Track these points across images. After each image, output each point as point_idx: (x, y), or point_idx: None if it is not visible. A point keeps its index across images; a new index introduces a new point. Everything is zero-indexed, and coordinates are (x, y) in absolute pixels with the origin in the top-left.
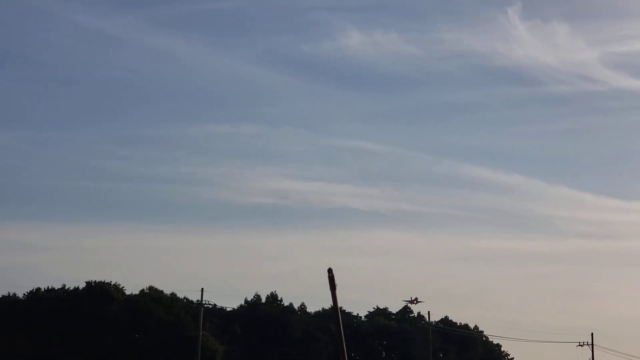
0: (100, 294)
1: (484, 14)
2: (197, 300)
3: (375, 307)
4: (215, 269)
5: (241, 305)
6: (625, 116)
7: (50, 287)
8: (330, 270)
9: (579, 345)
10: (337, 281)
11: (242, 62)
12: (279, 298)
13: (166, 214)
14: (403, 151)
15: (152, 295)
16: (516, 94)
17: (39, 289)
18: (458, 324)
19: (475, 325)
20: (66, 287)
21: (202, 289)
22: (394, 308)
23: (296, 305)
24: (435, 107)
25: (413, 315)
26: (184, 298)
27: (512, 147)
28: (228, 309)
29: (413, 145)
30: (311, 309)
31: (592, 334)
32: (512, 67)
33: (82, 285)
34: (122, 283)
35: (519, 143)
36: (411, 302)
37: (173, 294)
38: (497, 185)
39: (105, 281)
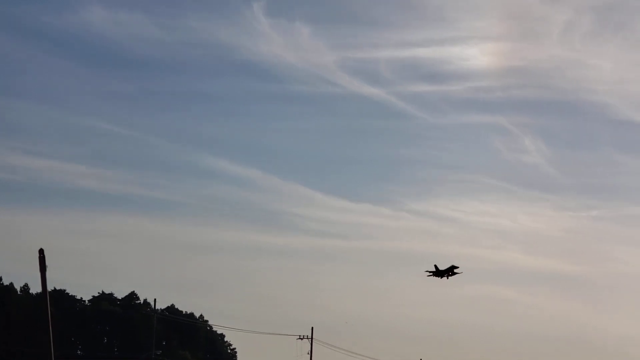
0: None
1: (232, 6)
2: None
3: (101, 292)
4: None
5: None
6: (360, 120)
7: None
8: (41, 251)
9: (299, 338)
10: (59, 262)
11: None
12: None
13: None
14: (142, 135)
15: None
16: (259, 89)
17: None
18: (184, 312)
19: (201, 315)
20: None
21: None
22: (120, 294)
23: (18, 286)
24: (179, 93)
25: (139, 302)
26: None
27: (252, 142)
28: None
29: (153, 131)
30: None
31: (312, 327)
32: (257, 62)
33: None
34: None
35: (259, 138)
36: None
37: None
38: (236, 178)
39: None
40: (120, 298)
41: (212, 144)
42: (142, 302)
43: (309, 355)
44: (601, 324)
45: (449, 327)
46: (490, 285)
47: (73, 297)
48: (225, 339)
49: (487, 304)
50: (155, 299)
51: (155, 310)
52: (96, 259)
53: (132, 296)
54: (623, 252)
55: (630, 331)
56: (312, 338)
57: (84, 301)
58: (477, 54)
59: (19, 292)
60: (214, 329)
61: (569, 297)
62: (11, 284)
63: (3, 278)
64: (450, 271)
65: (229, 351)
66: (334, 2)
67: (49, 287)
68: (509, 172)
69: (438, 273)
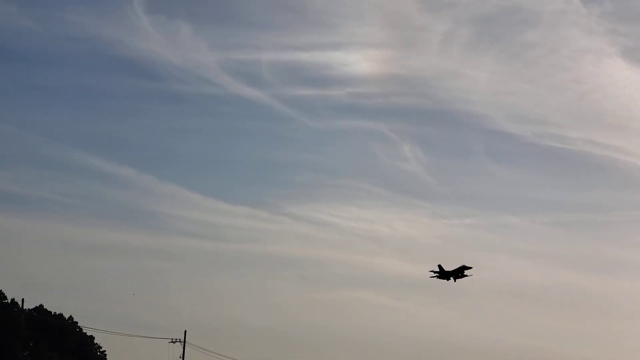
0: None
1: (111, 1)
2: None
3: None
4: None
5: None
6: (240, 122)
7: None
8: None
9: (172, 341)
10: None
11: None
12: None
13: None
14: (11, 128)
15: None
16: (137, 86)
17: None
18: (53, 313)
19: (70, 316)
20: None
21: None
22: None
23: None
24: (52, 88)
25: (6, 301)
26: None
27: (128, 140)
28: None
29: (24, 126)
30: None
31: (185, 331)
32: (136, 59)
33: None
34: None
35: (136, 136)
36: None
37: None
38: (111, 176)
39: None
40: None
41: (86, 141)
42: (9, 301)
43: (181, 359)
44: (471, 330)
45: (323, 331)
46: (365, 290)
47: None
48: (95, 341)
49: (362, 309)
50: (23, 299)
51: (22, 311)
52: None
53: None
54: (495, 261)
55: (498, 338)
56: (184, 341)
57: None
58: (359, 60)
59: None
60: (84, 330)
61: (441, 304)
62: None
63: None
64: (459, 272)
65: (99, 354)
66: (216, 2)
67: None
68: (387, 179)
69: (443, 274)
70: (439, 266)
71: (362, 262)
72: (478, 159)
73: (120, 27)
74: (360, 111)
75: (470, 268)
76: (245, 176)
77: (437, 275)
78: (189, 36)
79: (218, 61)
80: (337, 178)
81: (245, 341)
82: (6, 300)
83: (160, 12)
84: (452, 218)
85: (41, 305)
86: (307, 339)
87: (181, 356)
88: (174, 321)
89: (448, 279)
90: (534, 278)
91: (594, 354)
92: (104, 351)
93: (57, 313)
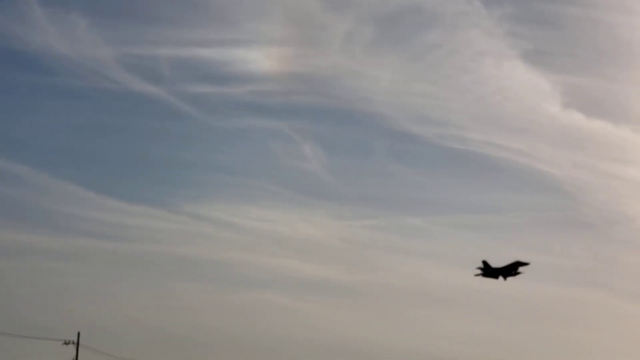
0: None
1: None
2: None
3: None
4: None
5: None
6: (137, 119)
7: None
8: None
9: (65, 343)
10: None
11: None
12: None
13: None
14: None
15: None
16: (31, 80)
17: None
18: None
19: None
20: None
21: None
22: None
23: None
24: None
25: None
26: None
27: (21, 136)
28: None
29: None
30: None
31: (78, 332)
32: (29, 52)
33: None
34: None
35: (30, 132)
36: None
37: None
38: (2, 173)
39: None
40: None
41: None
42: None
43: None
44: (371, 332)
45: (223, 332)
46: (266, 292)
47: None
48: None
49: (263, 311)
50: None
51: None
52: None
53: None
54: (395, 262)
55: (398, 340)
56: (78, 343)
57: None
58: (260, 58)
59: None
60: None
61: (343, 306)
62: None
63: None
64: (512, 269)
65: None
66: None
67: None
68: (288, 179)
69: (490, 272)
70: (484, 262)
71: (264, 262)
72: (380, 159)
73: (14, 19)
74: (261, 110)
75: (526, 264)
76: (144, 174)
77: (482, 274)
78: (85, 30)
79: (115, 56)
80: (237, 177)
81: (142, 343)
82: None
83: (55, 5)
84: (353, 219)
85: None
86: (206, 340)
87: (74, 358)
88: (69, 323)
89: (497, 277)
90: (435, 280)
91: (495, 357)
92: None
93: None
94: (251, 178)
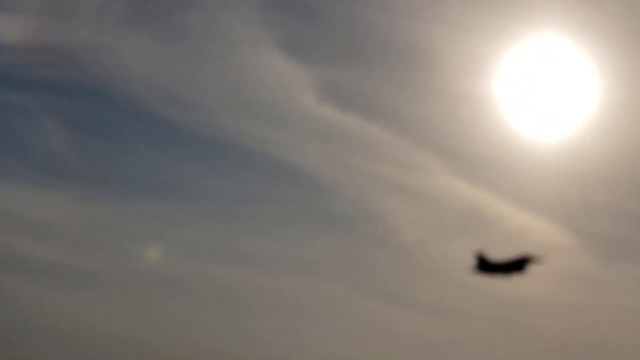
0: None
1: None
2: None
3: None
4: None
5: None
6: None
7: None
8: None
9: None
10: None
11: None
12: None
13: None
14: None
15: None
16: None
17: None
18: None
19: None
20: None
21: None
22: None
23: None
24: None
25: None
26: None
27: None
28: None
29: None
30: None
31: None
32: None
33: None
34: None
35: None
36: None
37: None
38: None
39: None
40: None
41: None
42: None
43: None
44: (111, 322)
45: None
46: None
47: None
48: None
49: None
50: None
51: None
52: None
53: None
54: (142, 249)
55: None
56: None
57: None
58: (5, 27)
59: None
60: None
61: (81, 292)
62: None
63: None
64: (517, 266)
65: None
66: None
67: None
68: (28, 156)
69: (486, 268)
70: (479, 255)
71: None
72: (129, 141)
73: None
74: (4, 82)
75: (534, 259)
76: None
77: (478, 270)
78: None
79: None
80: None
81: None
82: None
83: None
84: (97, 202)
85: None
86: None
87: None
88: None
89: (495, 273)
90: (180, 270)
91: (229, 347)
92: None
93: None
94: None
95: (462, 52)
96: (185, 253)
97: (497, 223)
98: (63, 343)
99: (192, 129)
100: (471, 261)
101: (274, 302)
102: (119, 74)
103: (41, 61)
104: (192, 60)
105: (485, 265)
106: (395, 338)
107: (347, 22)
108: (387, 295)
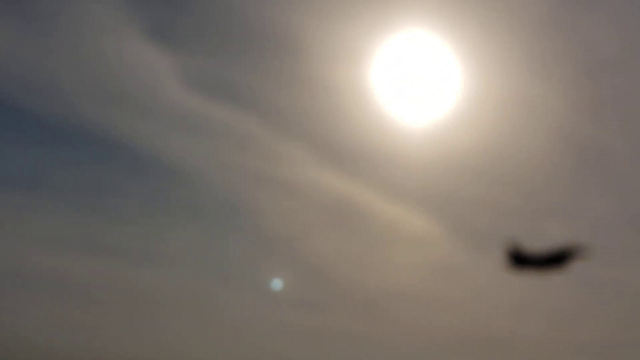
0: None
1: None
2: None
3: None
4: None
5: None
6: None
7: None
8: None
9: None
10: None
11: None
12: None
13: None
14: None
15: None
16: None
17: None
18: None
19: None
20: None
21: None
22: None
23: None
24: None
25: None
26: None
27: None
28: None
29: None
30: None
31: None
32: None
33: None
34: None
35: None
36: None
37: None
38: None
39: None
40: None
41: None
42: None
43: None
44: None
45: None
46: None
47: None
48: None
49: None
50: None
51: None
52: None
53: None
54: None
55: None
56: None
57: None
58: None
59: None
60: None
61: None
62: None
63: None
64: (557, 259)
65: None
66: None
67: None
68: None
69: (521, 261)
70: (513, 248)
71: None
72: None
73: None
74: None
75: (579, 253)
76: None
77: (513, 262)
78: None
79: None
80: None
81: None
82: None
83: None
84: None
85: None
86: None
87: None
88: None
89: (529, 268)
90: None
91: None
92: None
93: None
94: None
95: (334, 42)
96: (39, 244)
97: (368, 215)
98: None
99: (51, 119)
100: (501, 254)
101: (126, 294)
102: None
103: None
104: (52, 47)
105: (520, 259)
106: (265, 330)
107: (216, 11)
108: (254, 289)
